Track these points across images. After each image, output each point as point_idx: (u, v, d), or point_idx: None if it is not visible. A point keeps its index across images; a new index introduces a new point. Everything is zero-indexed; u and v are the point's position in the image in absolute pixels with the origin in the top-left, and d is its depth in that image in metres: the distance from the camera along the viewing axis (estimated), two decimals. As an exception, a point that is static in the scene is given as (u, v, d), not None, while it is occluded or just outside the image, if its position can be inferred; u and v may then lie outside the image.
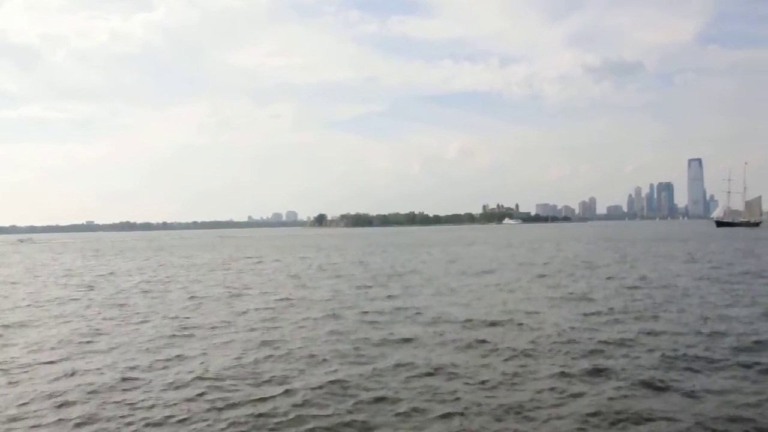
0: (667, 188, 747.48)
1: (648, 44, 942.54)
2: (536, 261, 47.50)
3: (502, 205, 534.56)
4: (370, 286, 30.74)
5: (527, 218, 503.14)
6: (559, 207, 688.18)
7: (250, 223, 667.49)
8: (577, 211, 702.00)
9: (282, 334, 18.25)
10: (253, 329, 19.16)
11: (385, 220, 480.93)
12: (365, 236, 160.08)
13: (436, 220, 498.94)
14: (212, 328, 19.59)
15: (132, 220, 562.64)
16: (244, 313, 22.79)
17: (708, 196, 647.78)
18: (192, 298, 27.78)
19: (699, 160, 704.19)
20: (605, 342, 15.88)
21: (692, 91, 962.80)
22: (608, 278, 31.78)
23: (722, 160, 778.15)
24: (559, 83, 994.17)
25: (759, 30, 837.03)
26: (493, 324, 18.98)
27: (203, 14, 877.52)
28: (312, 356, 15.19)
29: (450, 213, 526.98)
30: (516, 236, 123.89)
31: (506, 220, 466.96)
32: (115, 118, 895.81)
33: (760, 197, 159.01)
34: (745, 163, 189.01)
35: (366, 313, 21.91)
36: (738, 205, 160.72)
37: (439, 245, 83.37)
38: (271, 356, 15.23)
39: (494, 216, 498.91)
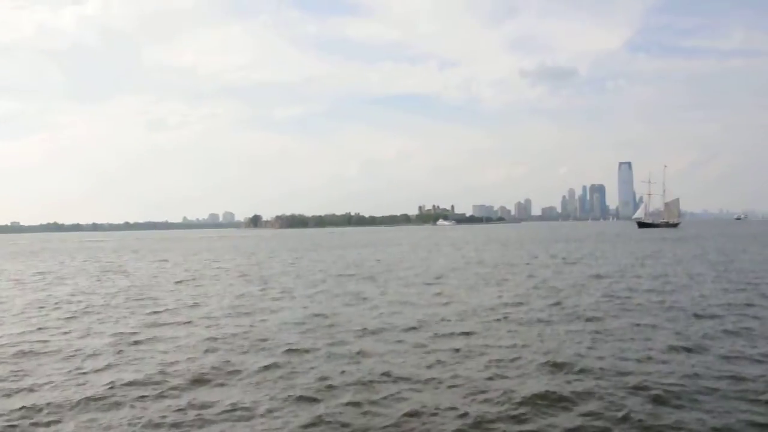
0: (599, 190, 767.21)
1: (581, 51, 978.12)
2: (419, 264, 45.13)
3: (438, 207, 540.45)
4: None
5: (462, 219, 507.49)
6: (495, 208, 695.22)
7: (186, 224, 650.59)
8: (513, 212, 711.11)
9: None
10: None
11: (321, 221, 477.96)
12: (288, 237, 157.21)
13: (372, 221, 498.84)
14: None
15: (60, 221, 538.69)
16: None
17: (637, 198, 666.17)
18: None
19: (629, 163, 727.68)
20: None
21: (622, 96, 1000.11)
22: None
23: (651, 163, 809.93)
24: (497, 87, 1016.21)
25: (680, 41, 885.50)
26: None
27: (138, 10, 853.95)
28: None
29: (387, 214, 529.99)
30: (440, 238, 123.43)
31: (440, 222, 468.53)
32: (43, 116, 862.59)
33: (677, 199, 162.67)
34: (665, 166, 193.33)
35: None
36: (658, 206, 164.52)
37: (356, 247, 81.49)
38: None
39: (430, 217, 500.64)
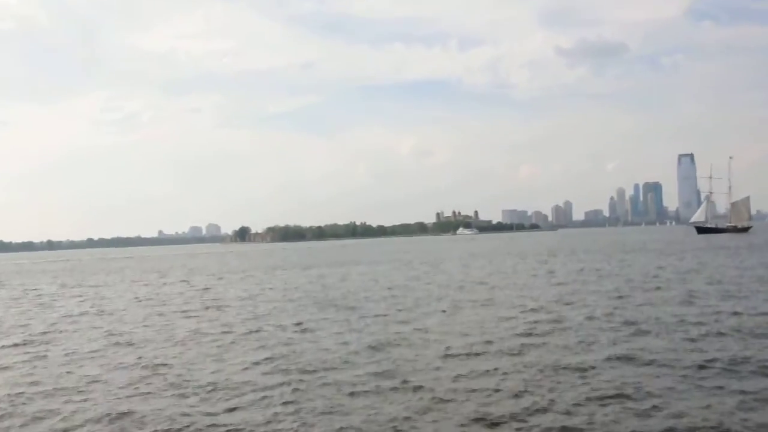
0: (654, 189, 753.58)
1: (630, 22, 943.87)
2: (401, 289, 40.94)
3: (459, 213, 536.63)
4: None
5: (487, 227, 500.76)
6: (529, 213, 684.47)
7: (162, 240, 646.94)
8: (550, 218, 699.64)
9: None
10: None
11: (321, 233, 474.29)
12: (275, 253, 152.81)
13: (381, 232, 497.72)
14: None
15: (6, 239, 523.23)
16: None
17: (702, 197, 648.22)
18: None
19: (690, 156, 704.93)
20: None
21: (682, 75, 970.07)
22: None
23: (716, 155, 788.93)
24: (529, 68, 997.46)
25: (754, 2, 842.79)
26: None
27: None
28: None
29: (399, 222, 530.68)
30: (452, 250, 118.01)
31: (460, 231, 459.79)
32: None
33: (748, 198, 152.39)
34: (730, 158, 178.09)
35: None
36: (724, 206, 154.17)
37: (344, 264, 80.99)
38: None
39: (450, 225, 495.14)
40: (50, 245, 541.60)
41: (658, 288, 33.74)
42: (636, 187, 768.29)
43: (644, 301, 28.50)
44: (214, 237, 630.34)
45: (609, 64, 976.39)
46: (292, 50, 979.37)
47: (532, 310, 26.89)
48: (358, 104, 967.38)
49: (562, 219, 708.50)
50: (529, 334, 20.75)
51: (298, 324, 25.45)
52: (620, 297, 30.29)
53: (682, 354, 17.08)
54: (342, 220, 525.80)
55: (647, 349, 17.83)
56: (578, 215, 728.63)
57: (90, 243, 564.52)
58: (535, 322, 23.49)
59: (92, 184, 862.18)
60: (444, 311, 27.70)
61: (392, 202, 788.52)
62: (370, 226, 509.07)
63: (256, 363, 18.10)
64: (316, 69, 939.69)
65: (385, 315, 27.30)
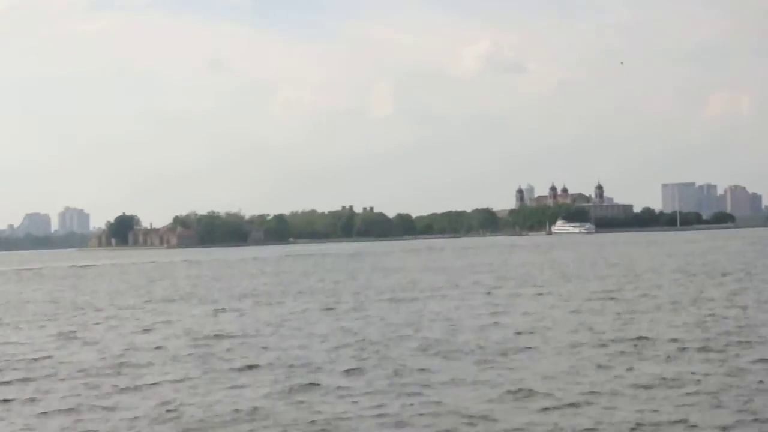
0: None
1: None
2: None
3: (564, 190, 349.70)
4: None
5: (619, 220, 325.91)
6: (720, 190, 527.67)
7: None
8: (764, 201, 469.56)
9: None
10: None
11: (279, 230, 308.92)
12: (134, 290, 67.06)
13: (405, 227, 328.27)
14: None
15: None
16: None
17: None
18: None
19: None
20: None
21: None
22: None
23: None
24: None
25: None
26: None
27: None
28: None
29: (444, 210, 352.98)
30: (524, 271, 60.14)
31: (559, 224, 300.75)
32: None
33: None
34: None
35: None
36: None
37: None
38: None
39: (544, 213, 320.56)
40: None
41: None
42: None
43: None
44: (70, 237, 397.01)
45: None
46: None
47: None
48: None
49: (750, 208, 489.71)
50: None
51: None
52: None
53: None
54: (331, 204, 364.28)
55: None
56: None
57: None
58: None
59: None
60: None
61: (432, 167, 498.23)
62: (381, 216, 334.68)
63: None
64: None
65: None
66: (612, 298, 33.96)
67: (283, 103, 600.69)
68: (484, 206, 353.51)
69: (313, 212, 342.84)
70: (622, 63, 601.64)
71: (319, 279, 59.05)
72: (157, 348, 22.96)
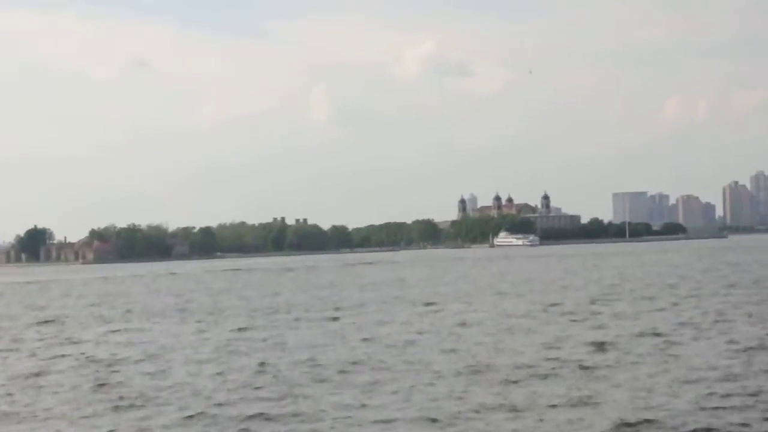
0: None
1: None
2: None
3: (510, 200, 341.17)
4: None
5: (566, 231, 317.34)
6: (672, 200, 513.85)
7: None
8: (721, 211, 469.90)
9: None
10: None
11: (204, 243, 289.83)
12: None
13: (341, 239, 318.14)
14: None
15: None
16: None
17: None
18: None
19: None
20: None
21: None
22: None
23: None
24: None
25: None
26: None
27: None
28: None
29: (384, 220, 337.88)
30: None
31: (501, 237, 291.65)
32: None
33: None
34: None
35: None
36: None
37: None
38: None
39: (488, 224, 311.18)
40: None
41: None
42: None
43: None
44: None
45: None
46: None
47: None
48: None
49: (742, 211, 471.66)
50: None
51: None
52: None
53: None
54: (262, 215, 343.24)
55: None
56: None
57: None
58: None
59: None
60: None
61: (369, 179, 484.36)
62: (315, 228, 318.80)
63: None
64: None
65: None
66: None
67: (212, 104, 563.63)
68: (425, 217, 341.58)
69: (242, 224, 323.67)
70: (530, 71, 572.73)
71: (235, 296, 56.06)
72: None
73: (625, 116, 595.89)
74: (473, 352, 21.81)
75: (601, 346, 21.83)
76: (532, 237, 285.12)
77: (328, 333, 28.56)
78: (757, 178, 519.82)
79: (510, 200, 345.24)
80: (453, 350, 22.42)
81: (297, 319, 34.71)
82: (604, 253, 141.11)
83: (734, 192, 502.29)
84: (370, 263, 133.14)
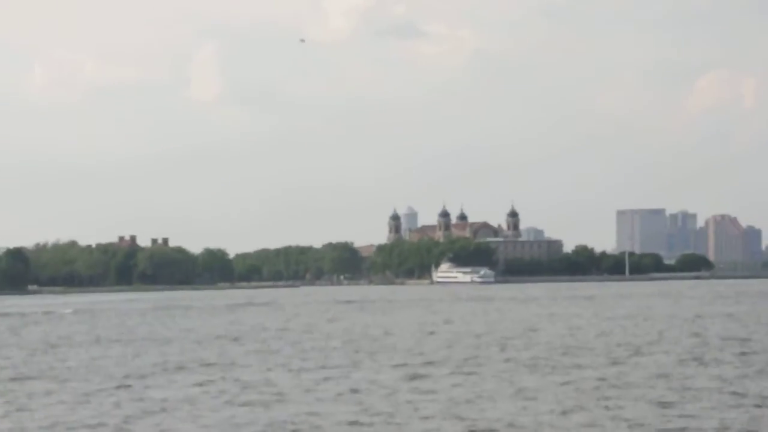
0: None
1: None
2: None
3: (465, 217, 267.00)
4: None
5: (554, 262, 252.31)
6: (700, 222, 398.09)
7: None
8: (709, 241, 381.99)
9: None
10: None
11: (17, 269, 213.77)
12: None
13: (224, 272, 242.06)
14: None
15: None
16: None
17: None
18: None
19: None
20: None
21: None
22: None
23: None
24: None
25: None
26: None
27: None
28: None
29: (283, 243, 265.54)
30: None
31: (442, 270, 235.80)
32: None
33: None
34: None
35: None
36: None
37: None
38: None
39: (432, 253, 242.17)
40: None
41: None
42: None
43: None
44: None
45: None
46: None
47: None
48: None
49: (743, 248, 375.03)
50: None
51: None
52: None
53: None
54: (104, 233, 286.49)
55: None
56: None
57: None
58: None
59: None
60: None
61: (263, 184, 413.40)
62: (180, 252, 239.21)
63: None
64: None
65: None
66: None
67: (50, 73, 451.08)
68: (342, 240, 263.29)
69: (72, 245, 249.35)
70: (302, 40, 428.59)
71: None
72: None
73: (637, 102, 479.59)
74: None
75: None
76: (484, 271, 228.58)
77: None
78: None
79: (463, 217, 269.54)
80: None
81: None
82: (578, 297, 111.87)
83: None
84: (244, 305, 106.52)
